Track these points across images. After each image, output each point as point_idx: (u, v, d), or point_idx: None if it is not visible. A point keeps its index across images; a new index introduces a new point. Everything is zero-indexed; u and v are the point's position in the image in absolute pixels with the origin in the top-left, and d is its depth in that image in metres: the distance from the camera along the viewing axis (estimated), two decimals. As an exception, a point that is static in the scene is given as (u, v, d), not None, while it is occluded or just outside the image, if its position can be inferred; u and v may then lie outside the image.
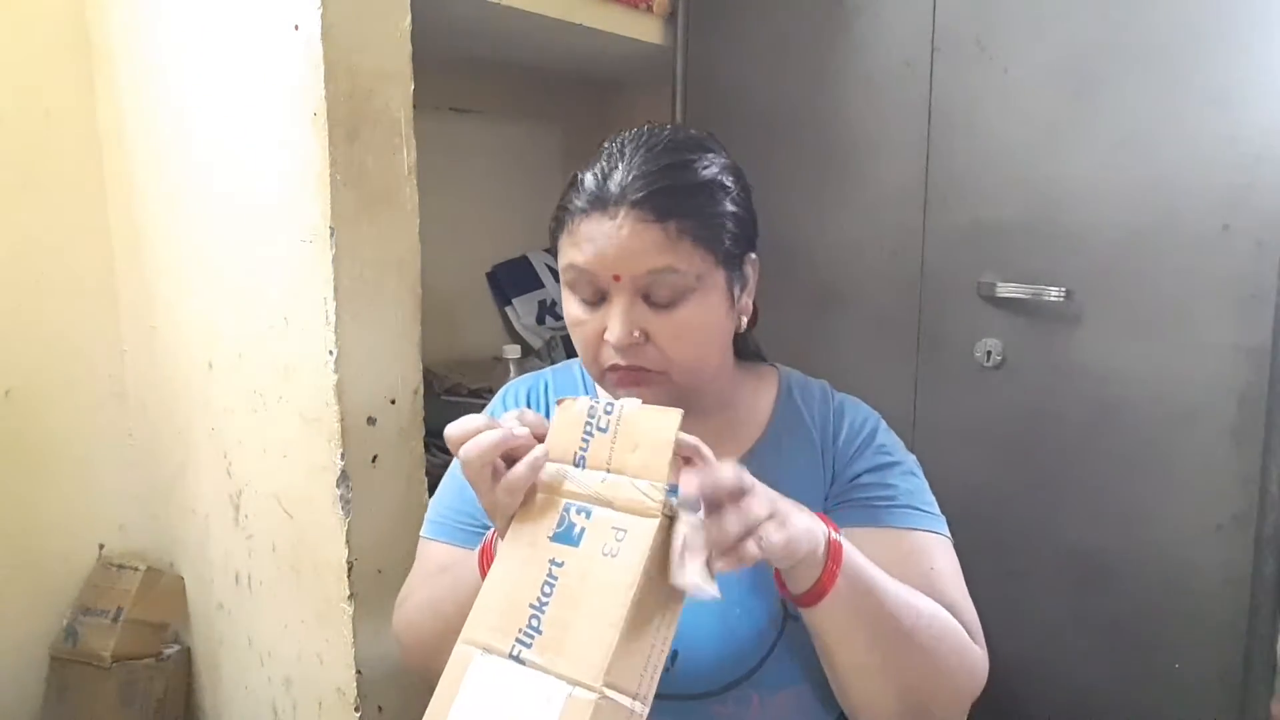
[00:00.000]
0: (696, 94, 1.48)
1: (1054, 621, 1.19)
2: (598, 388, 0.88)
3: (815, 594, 0.64)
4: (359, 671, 1.07)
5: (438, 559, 0.82)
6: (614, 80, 1.97)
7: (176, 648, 1.37)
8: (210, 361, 1.19)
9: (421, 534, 0.86)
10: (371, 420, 1.05)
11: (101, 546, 1.37)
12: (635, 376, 0.74)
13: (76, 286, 1.31)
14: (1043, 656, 1.19)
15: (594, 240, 0.71)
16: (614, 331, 0.71)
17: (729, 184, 0.75)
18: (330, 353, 1.00)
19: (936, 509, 0.80)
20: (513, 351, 1.56)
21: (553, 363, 0.99)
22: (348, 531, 1.04)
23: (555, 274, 1.93)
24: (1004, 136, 1.17)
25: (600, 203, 0.72)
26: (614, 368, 0.74)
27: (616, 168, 0.72)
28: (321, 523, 1.06)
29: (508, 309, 1.86)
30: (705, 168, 0.74)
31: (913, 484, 0.80)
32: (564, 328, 1.86)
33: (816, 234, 1.33)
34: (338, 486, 1.03)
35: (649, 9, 1.45)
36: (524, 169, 1.93)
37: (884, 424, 0.85)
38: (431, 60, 1.10)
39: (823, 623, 0.67)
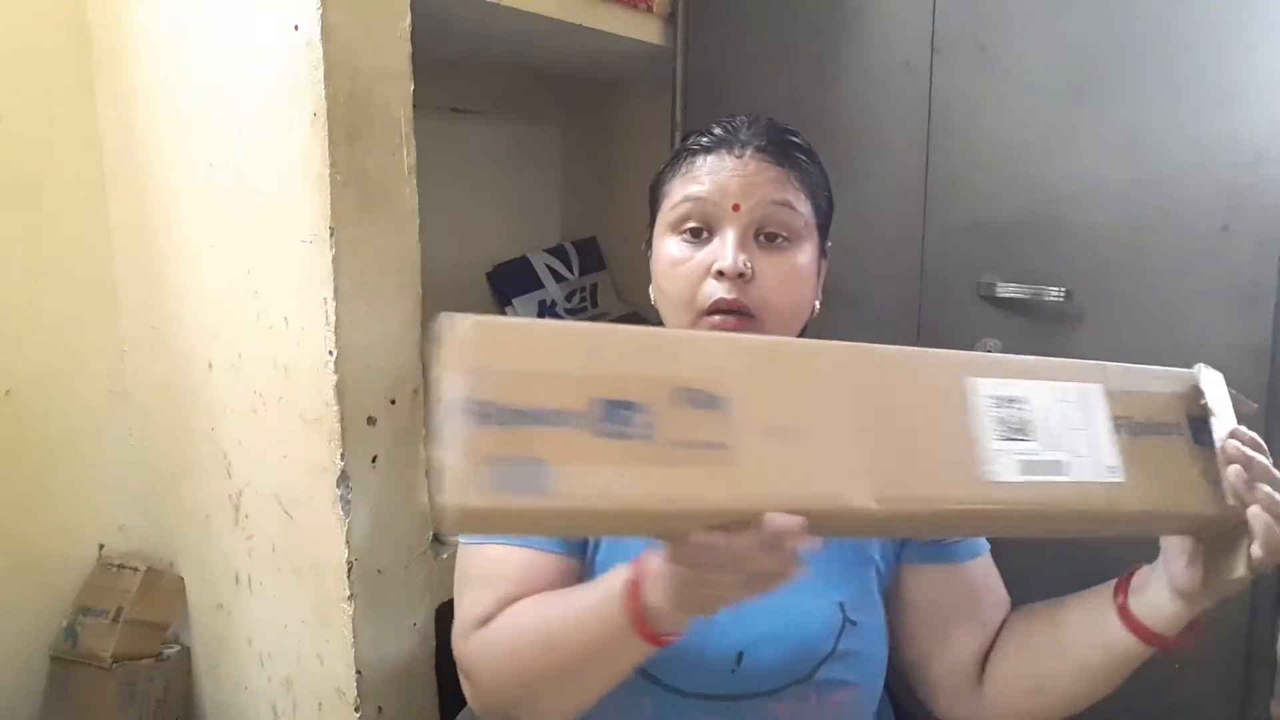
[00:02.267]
0: (696, 94, 1.48)
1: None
2: None
3: (1190, 632, 0.67)
4: (359, 672, 1.07)
5: (510, 567, 0.72)
6: (614, 80, 1.97)
7: (176, 648, 1.37)
8: (210, 361, 1.19)
9: (468, 543, 0.76)
10: (371, 420, 1.05)
11: (101, 546, 1.37)
12: (733, 322, 0.72)
13: (76, 286, 1.31)
14: (1043, 656, 1.19)
15: (716, 173, 0.73)
16: (727, 259, 0.71)
17: (822, 165, 0.81)
18: (330, 353, 1.00)
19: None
20: (513, 351, 1.56)
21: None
22: (348, 531, 1.03)
23: (555, 274, 1.94)
24: (1004, 136, 1.17)
25: (725, 143, 0.75)
26: (714, 308, 0.71)
27: (741, 123, 0.77)
28: (321, 523, 1.06)
29: (508, 309, 1.86)
30: (809, 145, 0.80)
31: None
32: (564, 328, 1.87)
33: (816, 234, 1.33)
34: (338, 486, 1.03)
35: (649, 9, 1.45)
36: (524, 169, 1.93)
37: None
38: (431, 60, 1.10)
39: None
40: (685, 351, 0.49)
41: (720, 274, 0.71)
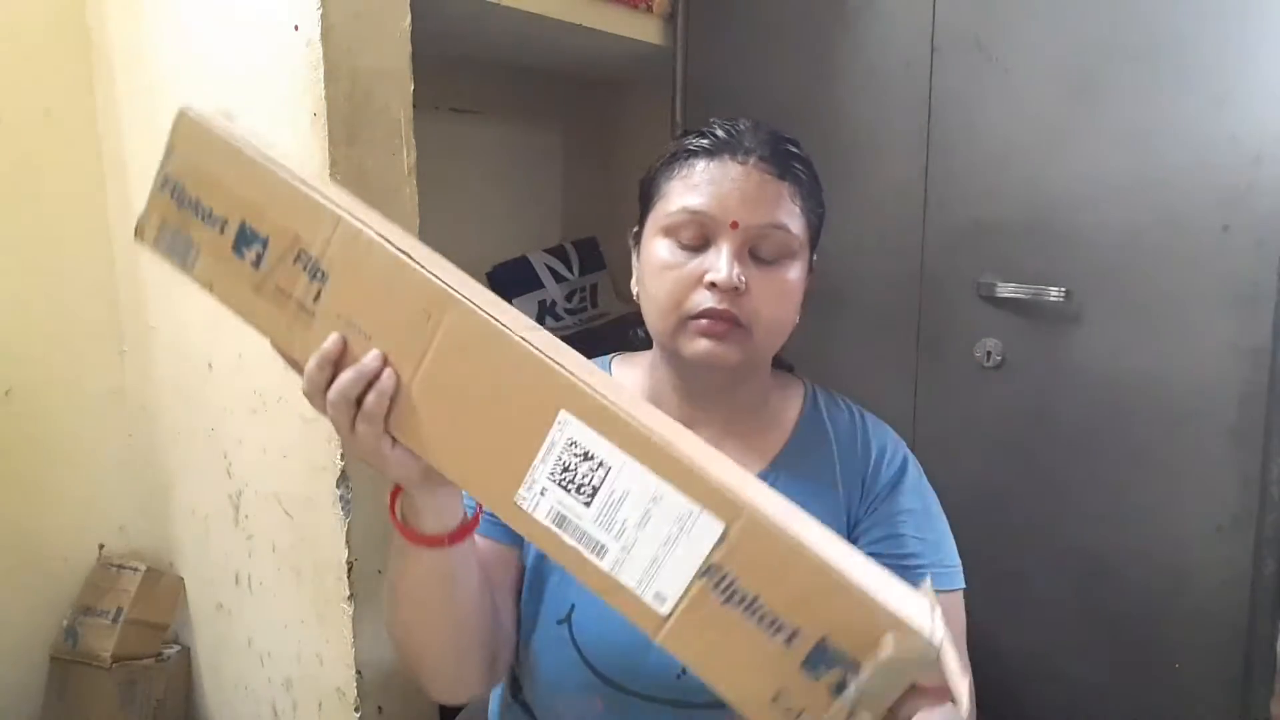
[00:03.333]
0: (696, 94, 1.48)
1: (1054, 621, 1.18)
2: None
3: None
4: (359, 672, 1.07)
5: None
6: (614, 80, 1.97)
7: (176, 648, 1.37)
8: (210, 361, 1.19)
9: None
10: (371, 420, 1.05)
11: (101, 547, 1.37)
12: (722, 328, 0.72)
13: (76, 286, 1.31)
14: (1043, 656, 1.19)
15: (717, 184, 0.72)
16: (722, 272, 0.70)
17: (819, 178, 0.80)
18: (330, 353, 1.00)
19: (955, 559, 0.79)
20: (513, 351, 1.56)
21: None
22: (348, 531, 1.03)
23: (555, 274, 1.94)
24: (1004, 136, 1.17)
25: (729, 147, 0.73)
26: (704, 314, 0.72)
27: (744, 128, 0.75)
28: (321, 523, 1.06)
29: (508, 309, 1.86)
30: (807, 156, 0.79)
31: (937, 531, 0.79)
32: (564, 328, 1.88)
33: (816, 234, 1.33)
34: (338, 486, 1.03)
35: (649, 9, 1.45)
36: (524, 169, 1.93)
37: (911, 454, 0.83)
38: (431, 60, 1.10)
39: None
40: (325, 223, 0.54)
41: (713, 285, 0.71)
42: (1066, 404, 1.16)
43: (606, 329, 1.96)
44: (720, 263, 0.71)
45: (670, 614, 0.47)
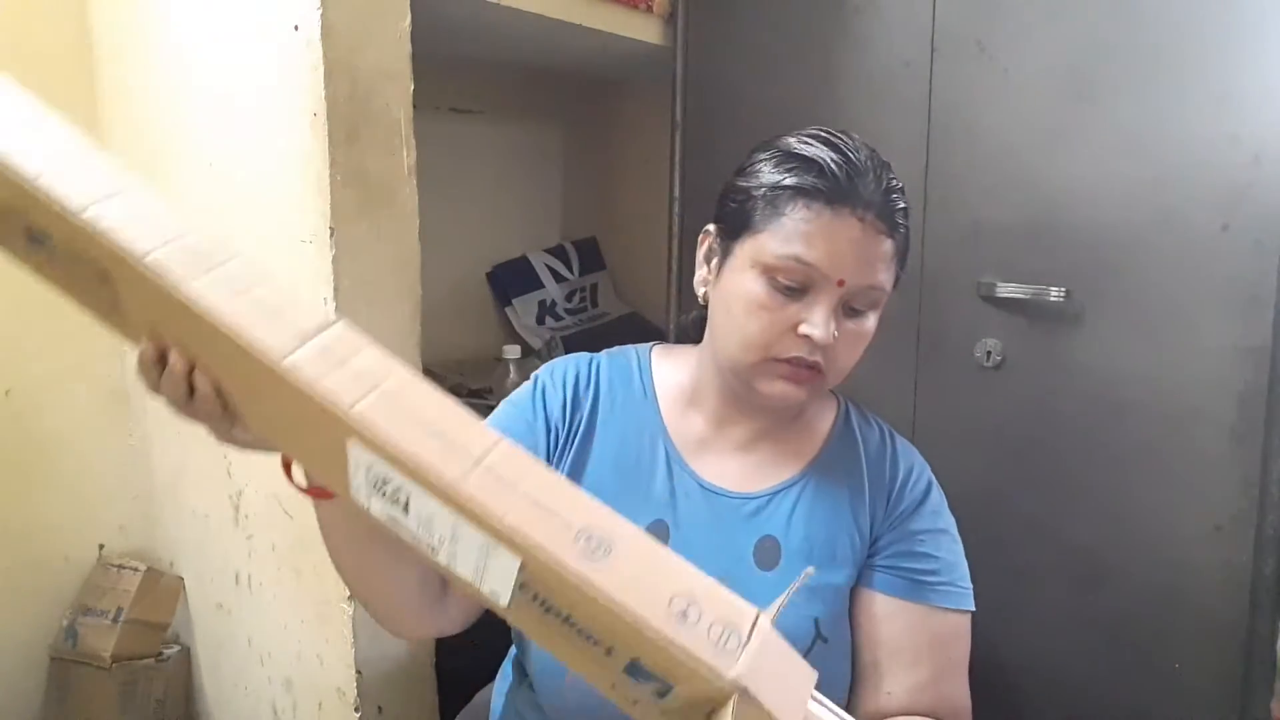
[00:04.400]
0: (696, 94, 1.48)
1: (1053, 621, 1.18)
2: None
3: None
4: (359, 672, 1.07)
5: None
6: (614, 80, 1.97)
7: (176, 648, 1.37)
8: (210, 361, 1.19)
9: None
10: (371, 420, 1.05)
11: (101, 546, 1.37)
12: (806, 376, 0.73)
13: (76, 286, 1.31)
14: (1042, 656, 1.19)
15: (832, 239, 0.70)
16: (819, 329, 0.70)
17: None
18: (330, 353, 1.00)
19: (968, 581, 0.80)
20: (513, 352, 1.56)
21: (553, 362, 0.98)
22: (348, 531, 1.03)
23: (555, 274, 1.94)
24: (1004, 137, 1.17)
25: (850, 199, 0.70)
26: (791, 360, 0.72)
27: (861, 170, 0.72)
28: (321, 523, 1.06)
29: (508, 309, 1.86)
30: (903, 189, 0.76)
31: (954, 553, 0.80)
32: (564, 328, 1.88)
33: (816, 234, 1.33)
34: (338, 486, 1.03)
35: (649, 9, 1.45)
36: (524, 169, 1.93)
37: (934, 478, 0.84)
38: (431, 60, 1.10)
39: None
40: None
41: (807, 338, 0.71)
42: (1066, 404, 1.16)
43: (606, 329, 1.96)
44: (819, 318, 0.71)
45: (509, 607, 0.47)
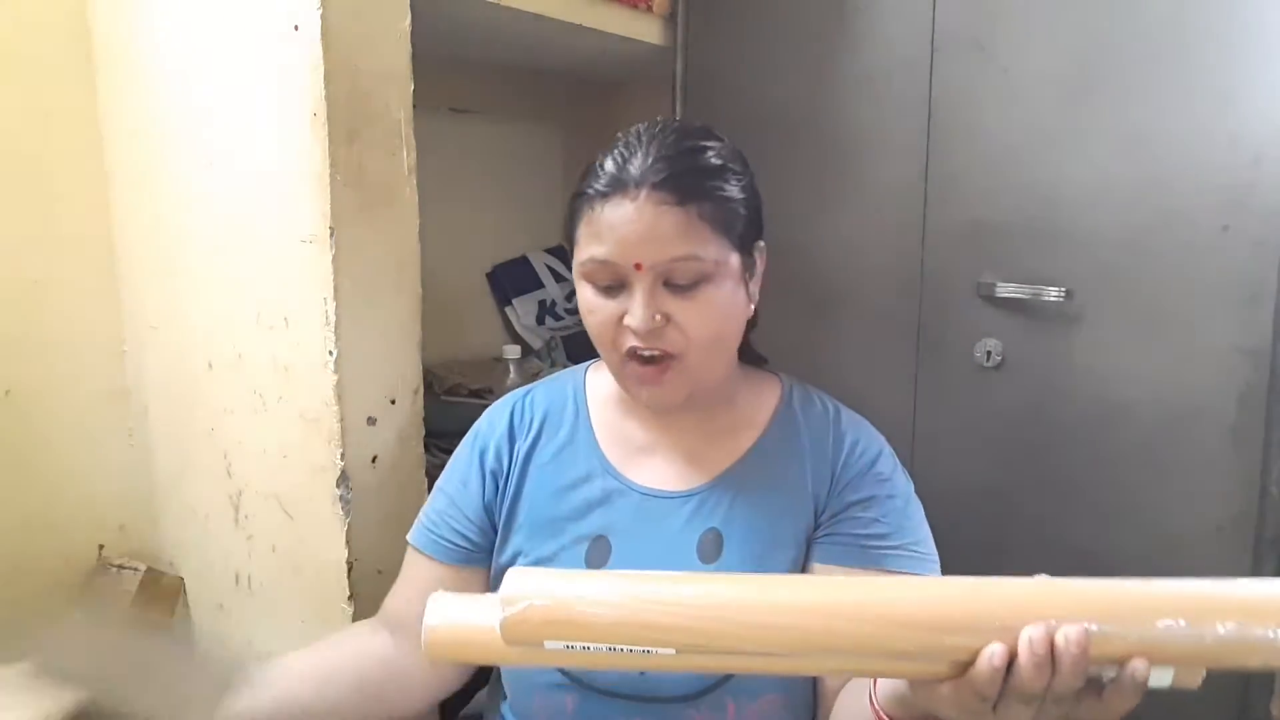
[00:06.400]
0: (696, 94, 1.48)
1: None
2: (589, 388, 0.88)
3: None
4: (359, 671, 1.07)
5: (410, 570, 0.88)
6: (614, 80, 1.97)
7: (176, 648, 1.37)
8: (210, 361, 1.19)
9: (408, 536, 0.89)
10: (371, 420, 1.05)
11: (101, 547, 1.37)
12: (654, 371, 0.74)
13: (77, 286, 1.30)
14: (1043, 656, 1.19)
15: (615, 228, 0.71)
16: (636, 317, 0.71)
17: (739, 169, 0.76)
18: (330, 353, 1.00)
19: (930, 549, 0.78)
20: (513, 351, 1.56)
21: (553, 364, 0.99)
22: (348, 532, 1.04)
23: (555, 274, 1.94)
24: (1004, 136, 1.17)
25: (620, 185, 0.71)
26: (633, 354, 0.74)
27: (634, 153, 0.72)
28: (321, 523, 1.06)
29: (508, 309, 1.86)
30: (718, 153, 0.75)
31: (908, 521, 0.78)
32: (564, 328, 1.88)
33: (816, 234, 1.33)
34: (338, 487, 1.03)
35: (649, 9, 1.45)
36: (524, 169, 1.93)
37: (889, 449, 0.83)
38: (431, 60, 1.10)
39: None
40: None
41: (630, 328, 0.73)
42: (1066, 404, 1.15)
43: (606, 329, 1.96)
44: (633, 306, 0.72)
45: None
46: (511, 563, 0.82)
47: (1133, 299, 1.10)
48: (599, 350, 0.78)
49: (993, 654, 0.51)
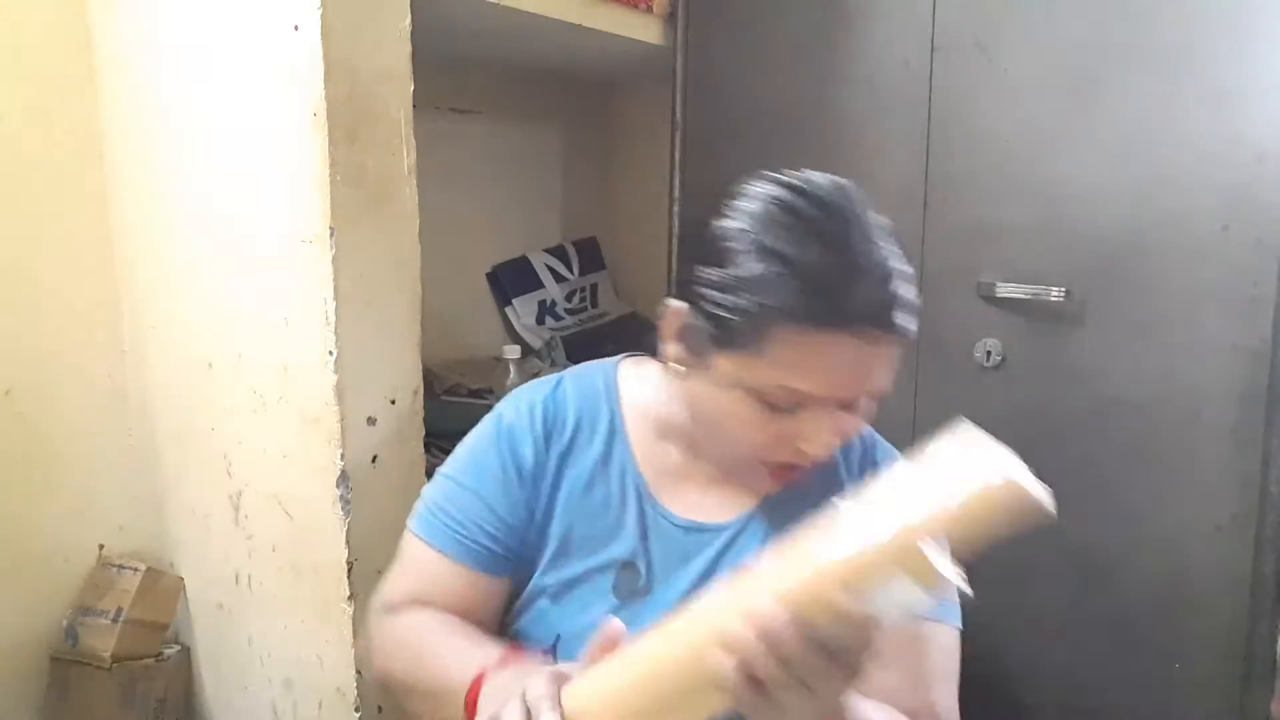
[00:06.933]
0: (696, 94, 1.48)
1: (1054, 621, 1.18)
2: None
3: None
4: (359, 672, 1.07)
5: (429, 568, 0.77)
6: (614, 80, 1.97)
7: (176, 648, 1.37)
8: (210, 361, 1.19)
9: (411, 527, 0.79)
10: (371, 420, 1.05)
11: (101, 547, 1.37)
12: (793, 474, 0.70)
13: (76, 286, 1.30)
14: (1042, 656, 1.19)
15: (831, 369, 0.62)
16: (818, 447, 0.65)
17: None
18: (330, 353, 1.00)
19: (955, 594, 0.76)
20: (513, 352, 1.56)
21: (553, 364, 0.98)
22: (348, 532, 1.04)
23: (555, 274, 1.94)
24: (1004, 136, 1.17)
25: (837, 313, 0.61)
26: (785, 465, 0.69)
27: (846, 263, 0.62)
28: (321, 523, 1.06)
29: (508, 309, 1.86)
30: (905, 261, 0.68)
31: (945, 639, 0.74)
32: (564, 328, 1.88)
33: (816, 234, 1.33)
34: (338, 486, 1.03)
35: (649, 9, 1.45)
36: (524, 169, 1.93)
37: None
38: (431, 60, 1.10)
39: None
40: None
41: (805, 454, 0.66)
42: (1066, 404, 1.15)
43: (606, 329, 1.96)
44: (818, 435, 0.65)
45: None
46: (539, 580, 0.77)
47: (1133, 299, 1.10)
48: (720, 450, 0.71)
49: (719, 663, 0.51)
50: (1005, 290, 1.17)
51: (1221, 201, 1.04)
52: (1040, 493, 0.51)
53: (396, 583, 0.79)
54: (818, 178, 0.69)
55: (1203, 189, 1.05)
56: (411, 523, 0.80)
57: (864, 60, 1.28)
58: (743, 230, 0.65)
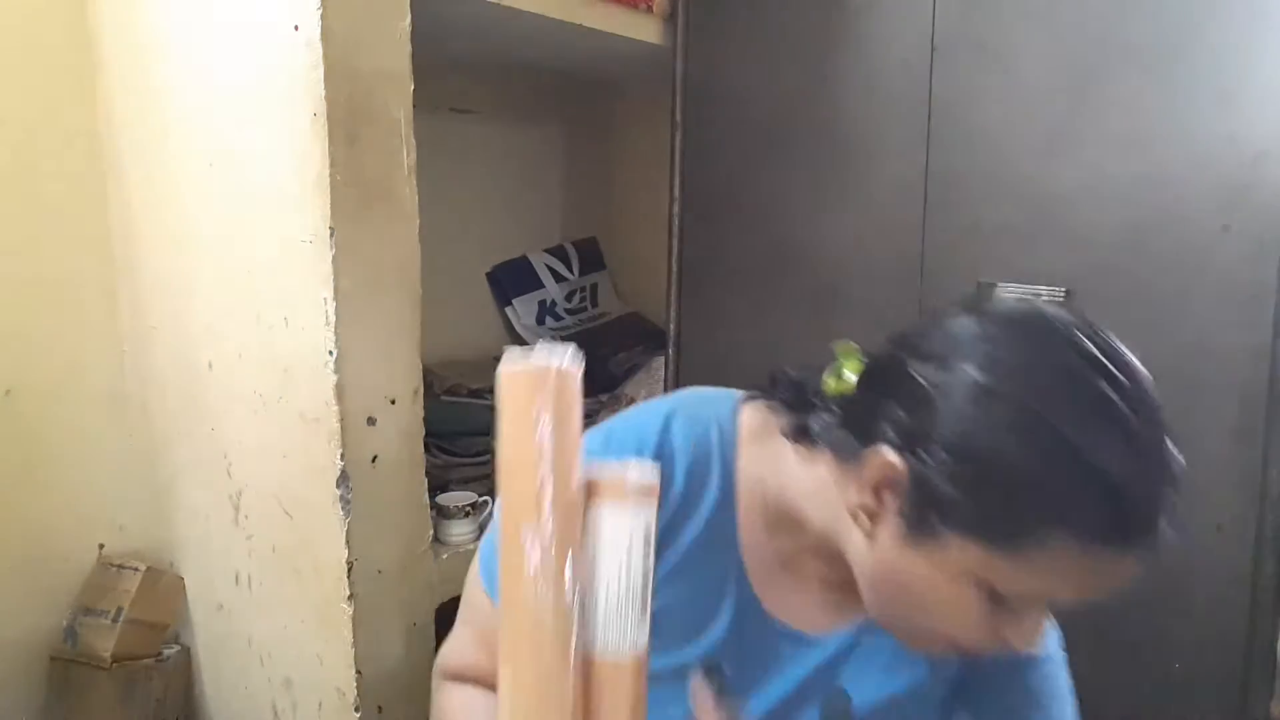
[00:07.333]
0: (696, 94, 1.48)
1: (1053, 621, 1.18)
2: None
3: None
4: (359, 672, 1.07)
5: (491, 624, 0.66)
6: (614, 80, 1.97)
7: (176, 648, 1.37)
8: (210, 361, 1.19)
9: (472, 576, 0.71)
10: (371, 420, 1.05)
11: (101, 546, 1.37)
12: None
13: (76, 286, 1.31)
14: (1043, 656, 1.19)
15: (1098, 586, 0.54)
16: (1035, 645, 0.60)
17: None
18: (330, 353, 1.00)
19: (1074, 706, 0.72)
20: (513, 352, 1.56)
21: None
22: (348, 532, 1.04)
23: (555, 274, 1.94)
24: (1004, 136, 1.17)
25: (1139, 543, 0.54)
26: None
27: (1163, 487, 0.57)
28: (321, 523, 1.06)
29: (508, 309, 1.86)
30: None
31: (1061, 678, 0.74)
32: (564, 328, 1.88)
33: (816, 234, 1.33)
34: (338, 486, 1.03)
35: (649, 9, 1.45)
36: (524, 169, 1.93)
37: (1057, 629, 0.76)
38: (431, 60, 1.10)
39: None
40: None
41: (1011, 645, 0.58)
42: (1066, 404, 1.15)
43: (606, 329, 1.96)
44: (1030, 632, 0.58)
45: None
46: None
47: (1133, 299, 1.10)
48: (918, 624, 0.60)
49: None
50: (1005, 290, 1.17)
51: (1221, 202, 1.04)
52: None
53: (455, 640, 0.74)
54: (1117, 346, 0.59)
55: (1202, 189, 1.05)
56: (473, 570, 0.71)
57: (864, 60, 1.28)
58: (1015, 396, 0.53)
